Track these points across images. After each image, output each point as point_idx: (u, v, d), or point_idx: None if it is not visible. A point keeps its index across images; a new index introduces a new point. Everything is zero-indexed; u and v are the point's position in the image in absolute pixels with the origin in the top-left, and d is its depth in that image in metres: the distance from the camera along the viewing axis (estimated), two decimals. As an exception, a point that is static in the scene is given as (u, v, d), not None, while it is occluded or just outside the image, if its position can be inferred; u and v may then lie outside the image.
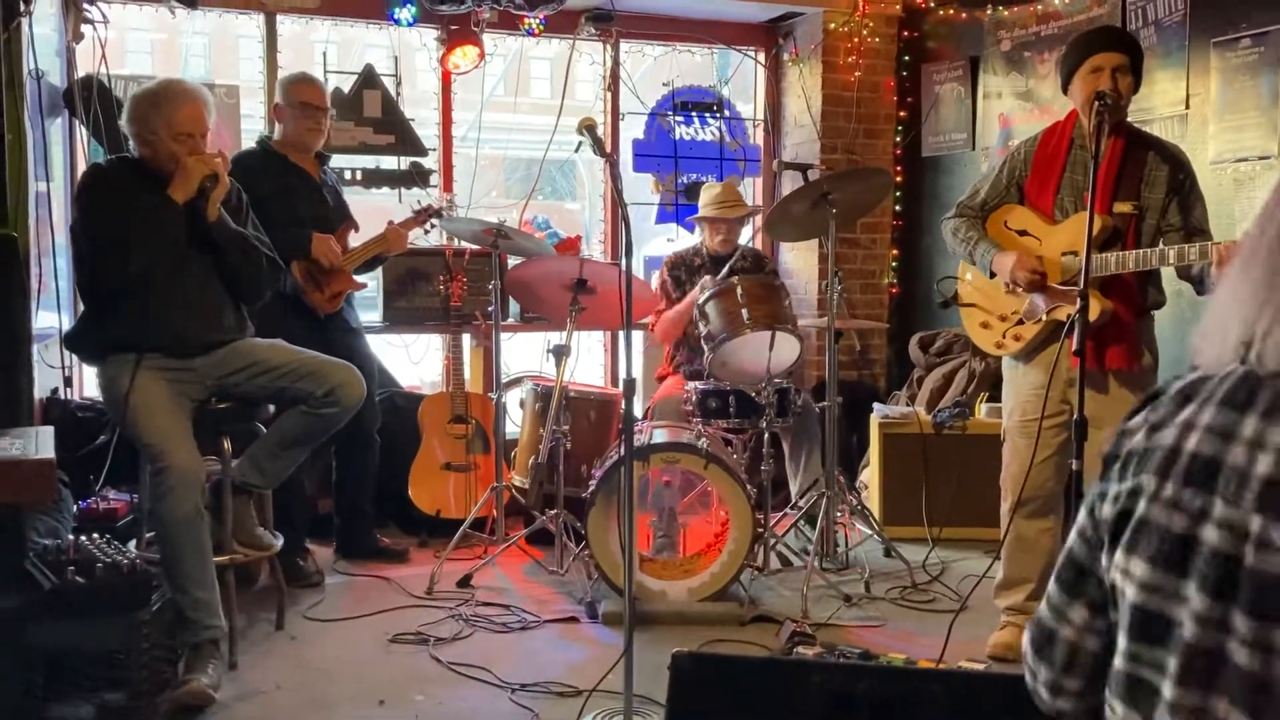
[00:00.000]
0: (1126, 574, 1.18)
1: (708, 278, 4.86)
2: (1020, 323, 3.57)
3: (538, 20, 5.47)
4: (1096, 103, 3.20)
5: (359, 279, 4.64)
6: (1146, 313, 3.49)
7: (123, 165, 3.58)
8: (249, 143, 5.49)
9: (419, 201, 4.89)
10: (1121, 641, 1.20)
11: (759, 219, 5.65)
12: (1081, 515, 1.28)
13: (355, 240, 4.66)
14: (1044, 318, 3.49)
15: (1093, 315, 3.22)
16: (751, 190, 6.39)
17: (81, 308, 3.68)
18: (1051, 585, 1.34)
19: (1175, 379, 1.26)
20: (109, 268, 3.37)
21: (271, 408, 3.71)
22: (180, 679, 3.17)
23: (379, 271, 5.19)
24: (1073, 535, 1.31)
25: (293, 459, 3.71)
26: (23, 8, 3.56)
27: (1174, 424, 1.19)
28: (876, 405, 5.45)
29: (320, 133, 4.52)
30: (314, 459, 4.49)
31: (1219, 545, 1.10)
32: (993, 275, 3.58)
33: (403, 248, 4.75)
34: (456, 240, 5.24)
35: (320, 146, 4.57)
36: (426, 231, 5.02)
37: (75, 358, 4.23)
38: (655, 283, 5.19)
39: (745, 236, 5.37)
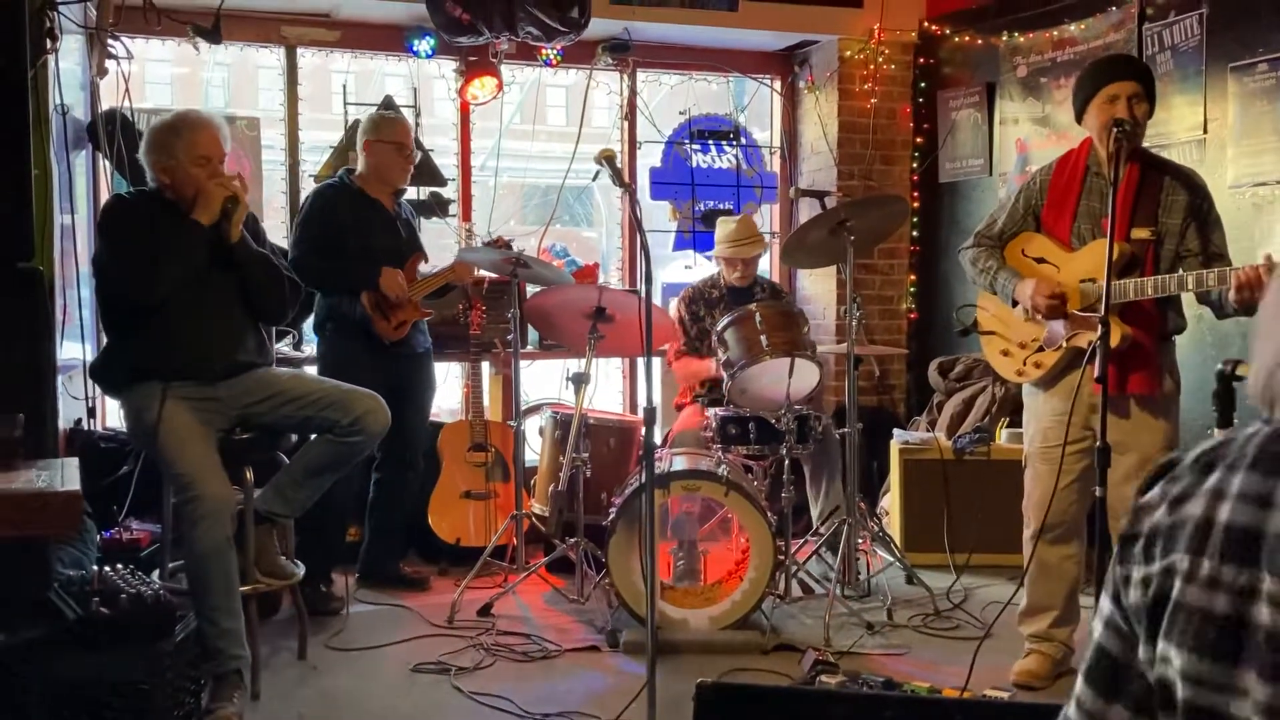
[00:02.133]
0: (1169, 665, 1.04)
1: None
2: (1040, 350, 3.56)
3: (555, 51, 5.51)
4: (1115, 130, 3.21)
5: (426, 308, 4.69)
6: (1168, 338, 3.49)
7: (145, 196, 3.63)
8: (270, 172, 5.58)
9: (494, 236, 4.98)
10: None
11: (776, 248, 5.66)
12: (1105, 605, 1.14)
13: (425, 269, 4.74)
14: (1064, 344, 3.48)
15: (1113, 341, 3.22)
16: (768, 217, 6.40)
17: (104, 340, 3.71)
18: (1081, 687, 1.16)
19: (1192, 449, 1.11)
20: (135, 291, 3.40)
21: (294, 437, 3.73)
22: (206, 708, 3.18)
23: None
24: (1098, 629, 1.15)
25: (317, 488, 3.71)
26: (49, 44, 3.61)
27: (1199, 494, 1.05)
28: (896, 431, 5.44)
29: (409, 172, 4.67)
30: (347, 483, 4.49)
31: (1275, 625, 0.96)
32: (1015, 304, 3.58)
33: (470, 278, 4.83)
34: (475, 269, 5.26)
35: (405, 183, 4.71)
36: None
37: (99, 389, 4.26)
38: (673, 312, 5.20)
39: (764, 265, 5.37)
